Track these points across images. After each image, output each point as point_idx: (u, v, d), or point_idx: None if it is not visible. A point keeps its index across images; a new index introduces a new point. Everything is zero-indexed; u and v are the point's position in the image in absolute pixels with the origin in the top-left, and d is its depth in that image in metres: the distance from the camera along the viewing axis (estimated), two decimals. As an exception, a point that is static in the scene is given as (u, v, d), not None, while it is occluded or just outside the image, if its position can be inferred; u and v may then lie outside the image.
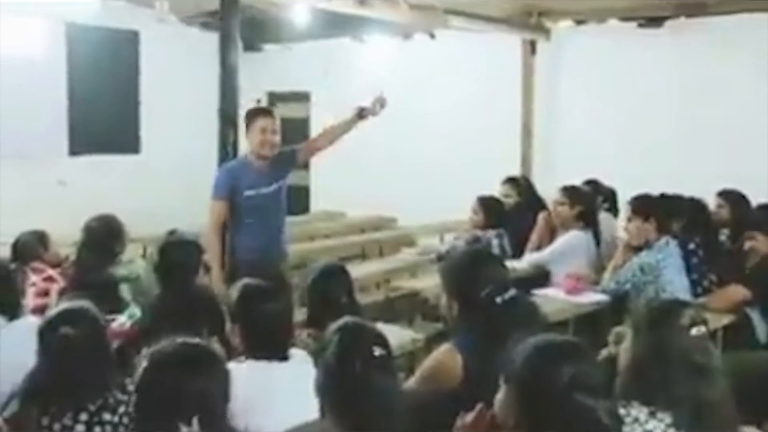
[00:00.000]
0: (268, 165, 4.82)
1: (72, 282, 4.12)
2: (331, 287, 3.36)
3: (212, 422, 1.93)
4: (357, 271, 6.75)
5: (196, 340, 2.11)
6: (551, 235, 6.02)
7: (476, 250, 4.14)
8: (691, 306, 2.51)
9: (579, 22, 8.49)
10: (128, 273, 4.24)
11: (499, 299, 2.70)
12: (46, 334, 2.54)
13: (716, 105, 7.42)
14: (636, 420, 2.20)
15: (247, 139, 4.92)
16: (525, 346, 1.94)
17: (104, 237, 4.28)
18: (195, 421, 1.89)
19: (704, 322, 2.35)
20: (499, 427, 1.93)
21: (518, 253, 5.97)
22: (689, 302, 2.70)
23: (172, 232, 3.69)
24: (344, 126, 5.07)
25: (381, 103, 4.95)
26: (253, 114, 4.88)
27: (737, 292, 4.95)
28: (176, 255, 3.56)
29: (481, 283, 2.73)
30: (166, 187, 9.68)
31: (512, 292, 2.76)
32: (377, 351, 2.13)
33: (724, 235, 5.67)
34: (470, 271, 2.82)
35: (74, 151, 9.56)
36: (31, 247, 4.45)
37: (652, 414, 2.21)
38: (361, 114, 4.98)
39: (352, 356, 2.13)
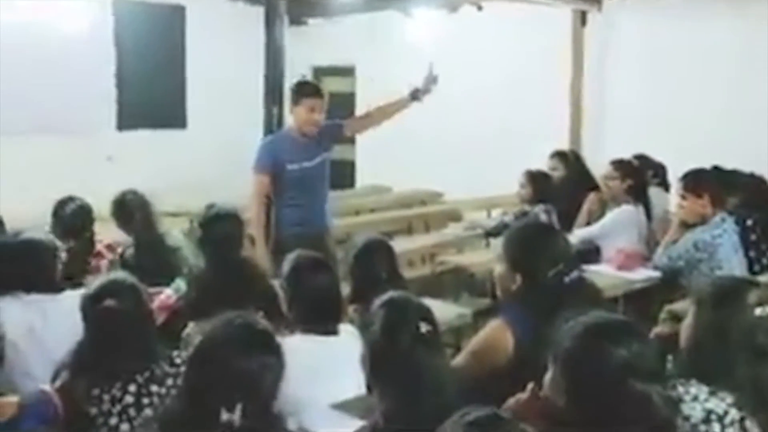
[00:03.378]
0: (311, 139, 4.79)
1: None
2: (375, 261, 3.32)
3: (257, 410, 1.88)
4: (403, 245, 6.74)
5: (253, 320, 2.07)
6: (601, 211, 5.91)
7: (543, 225, 4.03)
8: (758, 285, 2.42)
9: (631, -8, 8.29)
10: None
11: (566, 279, 2.62)
12: (87, 306, 2.55)
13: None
14: (695, 398, 2.13)
15: (293, 113, 4.88)
16: (575, 325, 1.86)
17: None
18: (238, 408, 1.83)
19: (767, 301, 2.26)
20: (551, 406, 1.87)
21: (566, 228, 5.86)
22: (757, 281, 2.59)
23: (210, 206, 3.65)
24: (396, 106, 5.00)
25: (433, 81, 4.86)
26: (303, 91, 4.82)
27: None
28: (218, 228, 3.53)
29: (549, 260, 2.63)
30: (213, 161, 9.75)
31: (577, 272, 2.68)
32: (424, 327, 2.09)
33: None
34: (539, 246, 2.70)
35: (122, 126, 9.66)
36: (74, 216, 4.46)
37: (713, 393, 2.14)
38: (415, 95, 4.89)
39: (398, 332, 2.09)
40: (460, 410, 2.00)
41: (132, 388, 2.42)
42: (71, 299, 2.94)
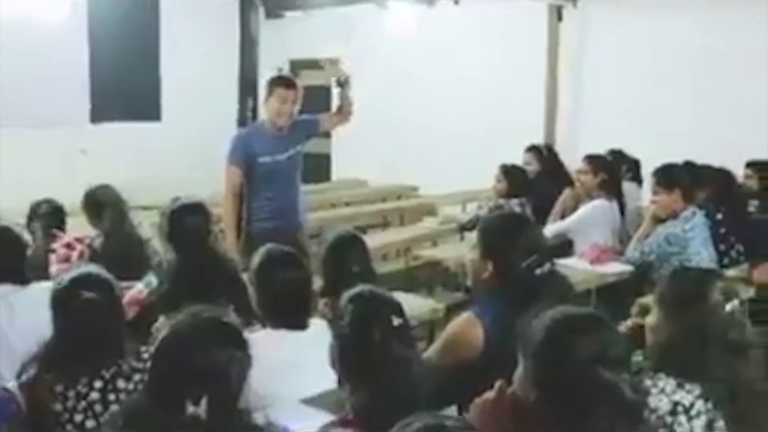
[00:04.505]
0: (284, 132, 4.78)
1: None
2: (346, 256, 3.31)
3: (223, 404, 1.86)
4: (378, 239, 6.75)
5: (220, 313, 2.05)
6: (576, 206, 5.94)
7: (520, 215, 4.03)
8: (722, 277, 2.43)
9: (607, -12, 8.31)
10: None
11: (538, 271, 2.60)
12: (61, 298, 2.51)
13: (746, 76, 7.24)
14: (662, 391, 2.15)
15: (265, 106, 4.89)
16: (543, 319, 1.86)
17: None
18: (204, 401, 1.82)
19: (736, 295, 2.28)
20: (520, 404, 1.87)
21: (541, 222, 5.89)
22: (718, 273, 2.61)
23: (175, 199, 3.63)
24: (342, 101, 5.10)
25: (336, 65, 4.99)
26: (275, 83, 4.85)
27: None
28: (183, 220, 3.49)
29: (523, 249, 2.60)
30: (187, 154, 9.68)
31: (549, 265, 2.67)
32: (395, 320, 2.09)
33: (752, 206, 5.56)
34: (513, 235, 2.67)
35: (96, 118, 9.57)
36: (48, 216, 4.44)
37: (680, 385, 2.16)
38: (339, 82, 5.02)
39: (368, 325, 2.08)
40: (430, 403, 2.01)
41: (98, 384, 2.39)
42: (40, 291, 2.92)
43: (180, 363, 1.88)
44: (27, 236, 3.43)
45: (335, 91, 5.03)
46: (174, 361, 1.89)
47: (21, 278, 3.16)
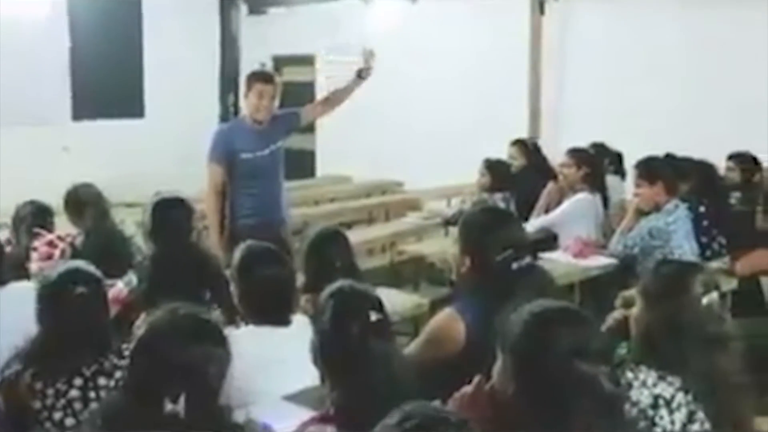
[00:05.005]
0: (265, 127, 4.76)
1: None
2: (328, 252, 3.29)
3: (202, 401, 1.84)
4: (363, 234, 6.75)
5: (199, 310, 2.04)
6: (560, 200, 5.95)
7: (499, 210, 4.01)
8: (703, 270, 2.44)
9: (589, -18, 8.32)
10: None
11: (515, 265, 2.60)
12: (48, 293, 2.49)
13: (725, 69, 7.27)
14: (644, 384, 2.16)
15: (244, 102, 4.88)
16: (521, 313, 1.87)
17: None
18: (182, 398, 1.80)
19: (716, 288, 2.28)
20: (498, 398, 1.87)
21: (525, 217, 5.90)
22: (700, 265, 2.62)
23: (156, 194, 3.61)
24: (346, 89, 5.08)
25: (370, 56, 4.93)
26: (252, 78, 4.84)
27: (765, 256, 4.85)
28: (165, 215, 3.47)
29: (499, 244, 2.60)
30: (170, 150, 9.63)
31: (528, 259, 2.66)
32: (373, 315, 2.08)
33: (734, 198, 5.59)
34: (490, 230, 2.67)
35: (77, 116, 9.51)
36: (33, 217, 4.41)
37: (661, 378, 2.16)
38: (360, 74, 4.95)
39: (347, 321, 2.08)
40: (411, 399, 2.00)
41: (78, 381, 2.37)
42: (16, 290, 2.89)
43: (157, 360, 1.86)
44: (6, 236, 3.39)
45: (350, 80, 4.99)
46: (151, 358, 1.87)
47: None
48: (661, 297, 2.30)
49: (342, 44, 5.17)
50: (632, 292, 4.03)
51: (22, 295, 2.55)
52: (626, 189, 6.04)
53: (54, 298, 2.47)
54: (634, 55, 7.91)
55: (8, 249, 4.09)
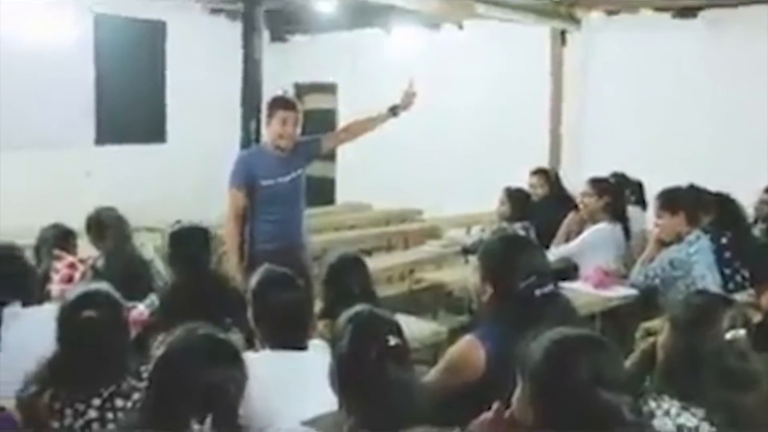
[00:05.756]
0: (286, 154, 4.76)
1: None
2: (347, 277, 3.29)
3: (225, 420, 1.84)
4: (382, 262, 6.74)
5: (216, 331, 2.04)
6: (580, 231, 5.92)
7: (520, 237, 3.99)
8: (732, 303, 2.40)
9: (611, 13, 8.34)
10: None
11: (538, 292, 2.58)
12: (66, 316, 2.51)
13: (751, 98, 7.24)
14: (667, 413, 2.13)
15: (266, 128, 4.87)
16: (541, 340, 1.85)
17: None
18: (209, 419, 1.79)
19: (746, 324, 2.25)
20: (518, 425, 1.84)
21: (545, 246, 5.87)
22: (731, 300, 2.58)
23: (177, 222, 3.63)
24: (375, 121, 5.03)
25: (412, 96, 4.90)
26: (275, 104, 4.82)
27: None
28: (185, 244, 3.49)
29: (521, 271, 2.58)
30: (192, 176, 9.70)
31: (551, 286, 2.64)
32: (392, 340, 2.07)
33: (759, 230, 5.54)
34: (512, 257, 2.65)
35: (100, 140, 9.60)
36: (56, 239, 4.44)
37: (684, 408, 2.13)
38: (394, 111, 4.94)
39: (365, 345, 2.06)
40: (428, 425, 1.98)
41: (96, 402, 2.38)
42: (43, 312, 2.91)
43: (176, 379, 1.86)
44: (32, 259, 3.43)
45: (382, 114, 4.97)
46: (174, 378, 1.87)
47: (25, 298, 3.16)
48: (688, 326, 2.27)
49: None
50: (654, 323, 4.02)
51: (46, 316, 2.57)
52: (647, 219, 6.01)
53: (71, 320, 2.49)
54: (657, 84, 7.91)
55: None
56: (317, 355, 2.62)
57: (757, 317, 4.44)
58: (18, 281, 3.21)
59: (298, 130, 4.78)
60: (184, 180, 9.66)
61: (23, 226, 4.82)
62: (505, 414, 1.90)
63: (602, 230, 5.51)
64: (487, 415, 1.92)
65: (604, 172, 6.13)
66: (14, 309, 3.14)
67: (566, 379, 1.76)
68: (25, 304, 3.19)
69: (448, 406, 2.35)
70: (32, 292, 3.31)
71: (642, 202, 6.37)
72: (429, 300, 6.19)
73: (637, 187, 6.42)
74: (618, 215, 5.62)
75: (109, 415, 2.37)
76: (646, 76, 7.98)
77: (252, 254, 4.71)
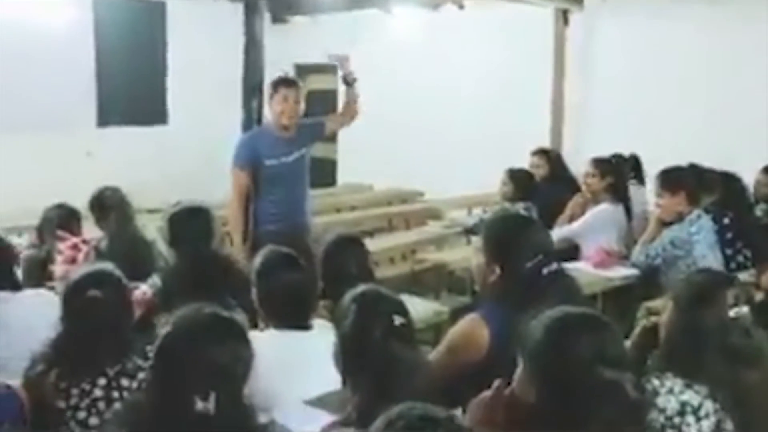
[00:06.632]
0: (290, 134, 4.77)
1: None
2: (344, 258, 3.27)
3: (229, 398, 1.84)
4: (384, 242, 6.75)
5: (222, 310, 2.04)
6: (583, 212, 5.91)
7: (524, 216, 3.97)
8: (735, 283, 2.41)
9: (613, -8, 8.31)
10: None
11: (545, 271, 2.57)
12: (70, 296, 2.52)
13: (751, 78, 7.23)
14: (671, 391, 2.14)
15: (269, 108, 4.89)
16: (542, 319, 1.85)
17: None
18: (212, 396, 1.79)
19: (749, 301, 2.26)
20: (517, 403, 1.85)
21: (547, 226, 5.86)
22: (734, 278, 2.58)
23: (176, 204, 3.62)
24: (348, 100, 5.08)
25: (344, 61, 5.04)
26: (276, 84, 4.84)
27: None
28: (182, 225, 3.49)
29: (528, 250, 2.57)
30: (193, 157, 9.67)
31: (556, 265, 2.64)
32: (397, 319, 2.07)
33: (760, 210, 5.53)
34: (519, 236, 2.64)
35: (102, 122, 9.59)
36: (60, 219, 4.44)
37: (688, 385, 2.15)
38: (346, 81, 5.01)
39: (370, 324, 2.07)
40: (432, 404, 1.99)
41: (102, 381, 2.39)
42: (33, 296, 2.93)
43: (182, 357, 1.86)
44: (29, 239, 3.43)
45: (342, 89, 5.01)
46: (179, 356, 1.87)
47: (11, 285, 3.17)
48: (690, 304, 2.28)
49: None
50: (656, 303, 4.02)
51: (35, 302, 2.58)
52: (649, 200, 6.01)
53: (76, 300, 2.50)
54: (658, 65, 7.88)
55: (32, 251, 4.16)
56: (322, 335, 2.63)
57: (759, 296, 4.49)
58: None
59: (301, 108, 4.78)
60: (186, 161, 9.63)
61: (25, 208, 4.83)
62: (506, 392, 1.90)
63: (604, 211, 5.51)
64: (487, 393, 1.93)
65: (606, 153, 6.12)
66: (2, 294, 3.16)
67: (566, 357, 1.76)
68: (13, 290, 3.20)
69: (451, 386, 2.36)
70: (17, 281, 3.31)
71: (640, 177, 6.35)
72: (431, 280, 6.20)
73: (634, 161, 6.39)
74: (620, 195, 5.61)
75: (115, 394, 2.39)
76: (648, 56, 7.95)
77: (256, 234, 4.72)
